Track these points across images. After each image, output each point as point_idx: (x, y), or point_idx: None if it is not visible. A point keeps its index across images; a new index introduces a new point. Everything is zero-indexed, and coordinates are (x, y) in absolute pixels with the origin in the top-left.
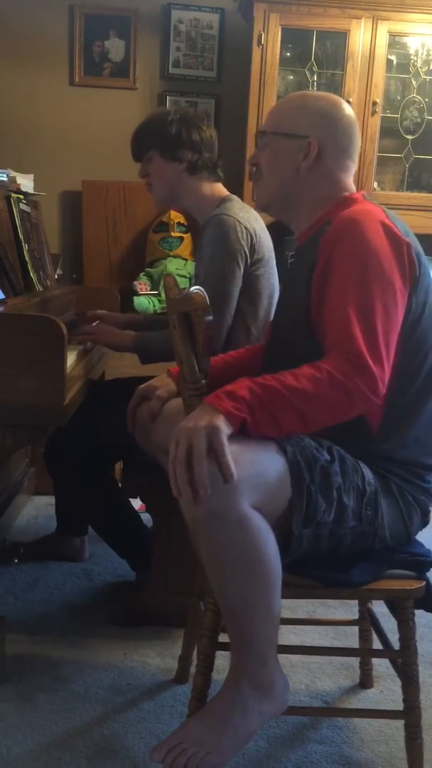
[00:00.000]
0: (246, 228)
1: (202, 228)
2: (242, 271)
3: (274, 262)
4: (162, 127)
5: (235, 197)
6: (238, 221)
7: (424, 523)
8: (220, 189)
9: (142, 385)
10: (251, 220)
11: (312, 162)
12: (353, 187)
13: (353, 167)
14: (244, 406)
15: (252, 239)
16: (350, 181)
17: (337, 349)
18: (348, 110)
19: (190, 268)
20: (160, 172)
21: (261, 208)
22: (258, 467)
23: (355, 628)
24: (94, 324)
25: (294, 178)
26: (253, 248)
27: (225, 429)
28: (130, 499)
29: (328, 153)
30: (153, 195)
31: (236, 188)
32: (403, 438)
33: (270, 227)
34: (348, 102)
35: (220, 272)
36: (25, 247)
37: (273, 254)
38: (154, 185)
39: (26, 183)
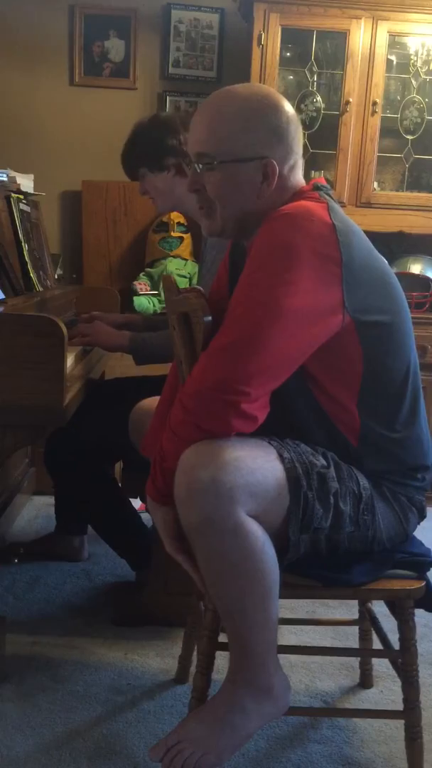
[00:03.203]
0: None
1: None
2: None
3: None
4: (139, 142)
5: None
6: None
7: (421, 518)
8: None
9: None
10: None
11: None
12: (302, 181)
13: (300, 161)
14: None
15: None
16: (299, 176)
17: (211, 347)
18: (288, 110)
19: (190, 268)
20: (155, 186)
21: (214, 236)
22: (257, 475)
23: (355, 628)
24: (89, 324)
25: (255, 203)
26: None
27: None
28: (130, 499)
29: (285, 167)
30: (157, 208)
31: None
32: (388, 452)
33: None
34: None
35: None
36: (25, 247)
37: None
38: (155, 199)
39: (26, 183)
